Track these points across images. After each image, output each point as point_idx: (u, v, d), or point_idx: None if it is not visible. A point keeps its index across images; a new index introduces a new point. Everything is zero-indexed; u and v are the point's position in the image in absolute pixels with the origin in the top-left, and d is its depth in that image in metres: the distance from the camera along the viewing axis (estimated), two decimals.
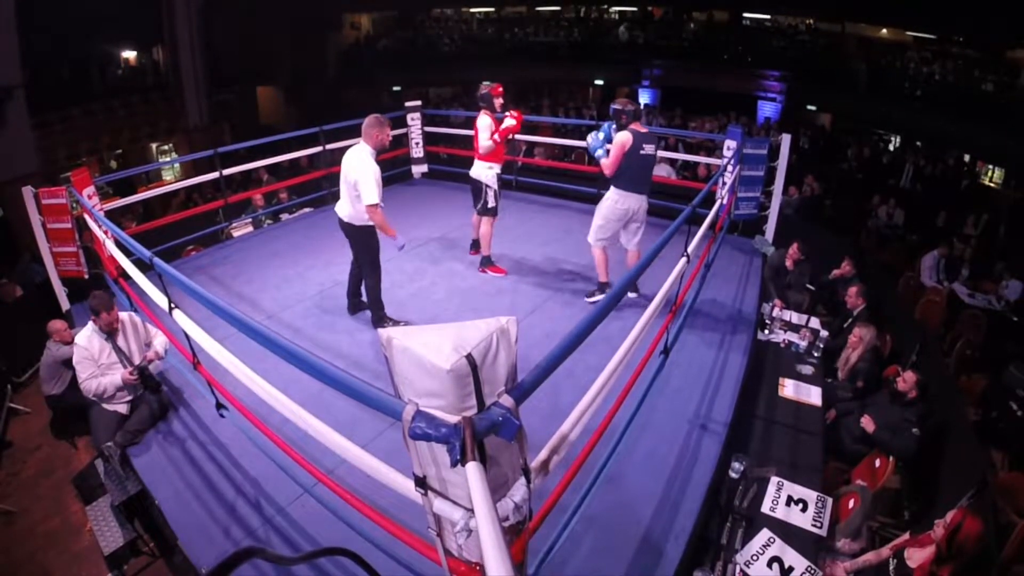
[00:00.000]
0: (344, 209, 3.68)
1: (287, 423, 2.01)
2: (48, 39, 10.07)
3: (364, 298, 4.03)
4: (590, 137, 4.08)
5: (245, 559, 1.26)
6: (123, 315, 3.22)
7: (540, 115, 12.41)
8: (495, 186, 4.58)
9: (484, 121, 4.44)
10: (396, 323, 3.94)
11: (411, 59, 16.07)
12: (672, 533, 2.42)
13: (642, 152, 3.90)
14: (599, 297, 4.34)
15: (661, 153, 7.41)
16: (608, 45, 15.24)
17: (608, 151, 3.97)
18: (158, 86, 12.98)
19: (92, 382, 3.01)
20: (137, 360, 3.18)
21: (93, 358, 3.05)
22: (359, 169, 3.42)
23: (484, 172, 4.57)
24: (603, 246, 4.24)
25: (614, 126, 3.98)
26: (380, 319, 3.93)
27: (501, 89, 4.57)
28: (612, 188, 4.05)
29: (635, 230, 4.20)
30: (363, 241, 3.73)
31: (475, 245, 5.06)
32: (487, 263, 4.81)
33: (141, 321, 3.33)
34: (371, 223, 3.64)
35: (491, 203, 4.61)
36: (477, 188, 4.65)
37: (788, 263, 5.16)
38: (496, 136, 4.39)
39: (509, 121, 4.42)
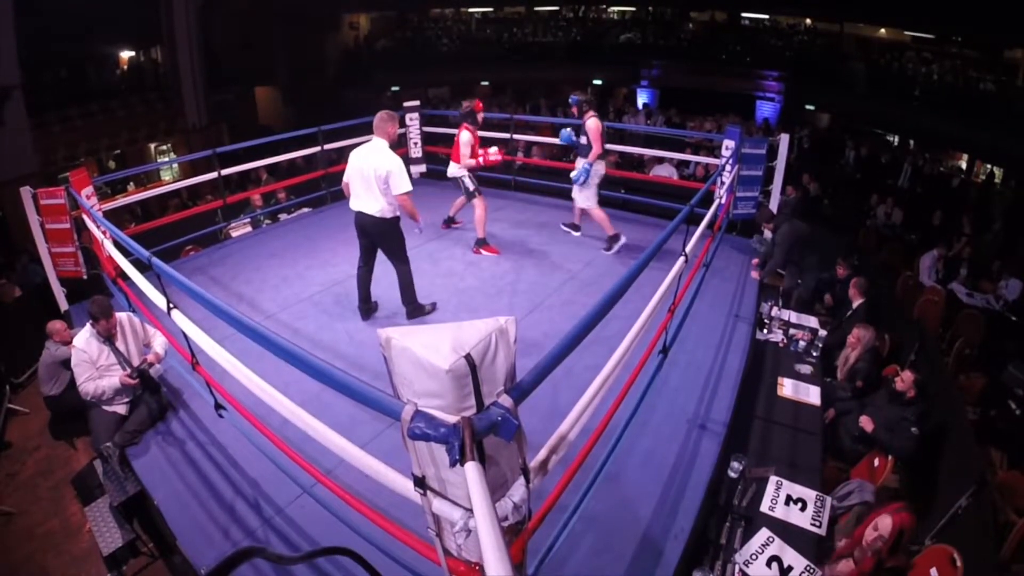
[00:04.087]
0: (372, 205, 3.70)
1: (286, 423, 2.01)
2: (46, 39, 10.06)
3: (377, 300, 4.15)
4: (563, 133, 5.07)
5: (245, 559, 1.26)
6: (121, 316, 3.20)
7: (539, 115, 12.42)
8: (468, 175, 5.07)
9: (465, 136, 4.90)
10: (432, 308, 4.15)
11: (410, 59, 16.07)
12: (671, 532, 2.42)
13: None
14: (615, 245, 5.15)
15: (661, 153, 7.54)
16: (607, 45, 15.26)
17: (581, 140, 4.94)
18: (156, 87, 12.98)
19: (90, 384, 2.99)
20: (136, 361, 3.17)
21: (91, 360, 3.03)
22: (387, 161, 3.59)
23: (455, 170, 5.07)
24: (598, 208, 5.10)
25: (577, 115, 4.93)
26: (416, 310, 4.03)
27: (482, 105, 5.17)
28: (592, 162, 4.90)
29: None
30: (393, 234, 3.85)
31: (448, 221, 5.76)
32: (480, 244, 5.24)
33: (139, 322, 3.32)
34: (397, 215, 3.81)
35: (471, 187, 5.07)
36: (455, 183, 5.18)
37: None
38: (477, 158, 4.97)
39: (493, 156, 5.02)
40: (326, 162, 6.54)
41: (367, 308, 4.11)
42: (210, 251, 5.57)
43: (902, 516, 2.40)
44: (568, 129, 5.08)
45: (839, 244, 6.60)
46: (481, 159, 4.95)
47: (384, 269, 4.02)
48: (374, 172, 3.59)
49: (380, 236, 3.84)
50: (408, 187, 3.63)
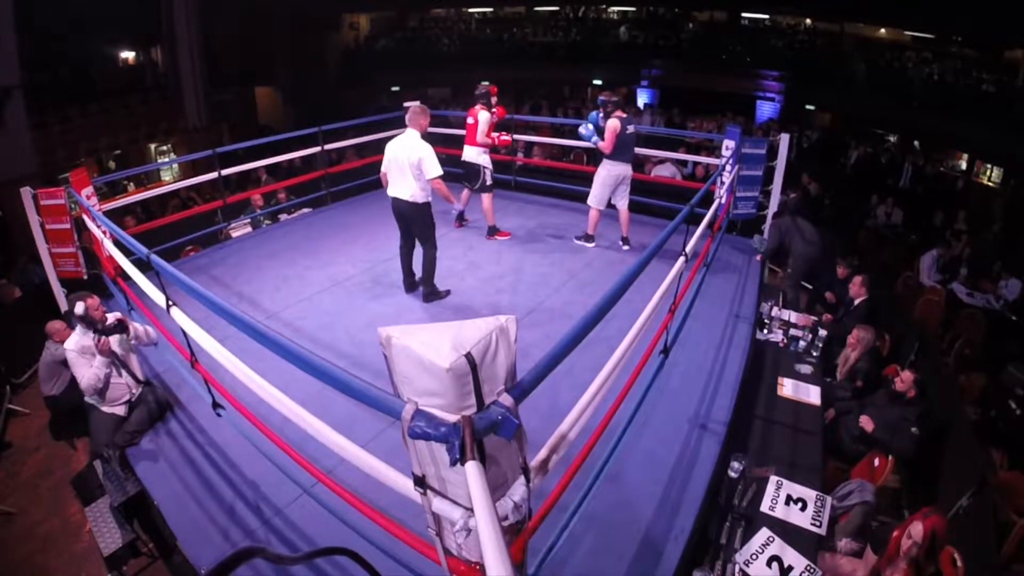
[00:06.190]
0: (407, 191, 3.99)
1: (286, 422, 2.01)
2: (46, 39, 10.05)
3: (419, 276, 4.38)
4: (582, 128, 4.99)
5: (245, 559, 1.26)
6: (110, 316, 3.19)
7: (539, 115, 12.41)
8: (491, 166, 5.30)
9: (484, 116, 5.13)
10: (446, 293, 4.37)
11: (410, 59, 16.06)
12: (672, 532, 2.42)
13: (628, 131, 4.90)
14: (584, 243, 5.37)
15: (661, 154, 7.55)
16: (607, 45, 15.25)
17: (600, 136, 4.93)
18: (157, 86, 12.96)
19: (90, 375, 2.97)
20: (130, 362, 3.17)
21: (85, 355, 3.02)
22: (420, 150, 3.87)
23: (476, 156, 5.24)
24: (599, 207, 5.20)
25: (601, 114, 4.90)
26: (432, 294, 4.30)
27: (496, 89, 5.34)
28: (605, 160, 4.99)
29: (623, 192, 5.15)
30: (425, 218, 4.12)
31: (459, 217, 5.81)
32: (493, 231, 5.53)
33: (132, 323, 3.30)
34: (429, 200, 4.07)
35: (489, 181, 5.30)
36: (474, 170, 5.29)
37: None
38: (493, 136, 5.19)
39: (506, 137, 5.29)
40: (326, 162, 6.52)
41: (411, 282, 4.41)
42: (210, 251, 5.57)
43: (932, 520, 2.41)
44: (589, 126, 4.97)
45: (839, 244, 6.58)
46: (496, 139, 5.17)
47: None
48: (408, 159, 3.88)
49: (413, 219, 4.09)
50: (439, 171, 3.90)
